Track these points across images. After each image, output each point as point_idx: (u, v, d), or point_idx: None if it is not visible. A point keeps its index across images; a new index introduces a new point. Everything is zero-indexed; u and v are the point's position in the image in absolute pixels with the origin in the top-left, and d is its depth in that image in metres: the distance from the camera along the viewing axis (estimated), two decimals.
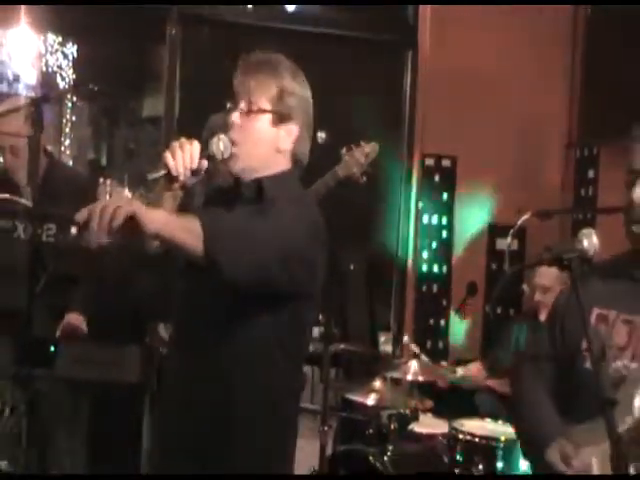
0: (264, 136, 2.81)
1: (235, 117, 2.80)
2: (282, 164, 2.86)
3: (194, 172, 2.77)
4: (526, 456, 3.10)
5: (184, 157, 2.75)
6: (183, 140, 2.77)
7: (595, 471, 2.57)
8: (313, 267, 2.74)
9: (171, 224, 2.51)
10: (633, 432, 2.47)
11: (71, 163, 7.61)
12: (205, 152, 2.78)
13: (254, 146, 2.82)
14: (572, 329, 2.81)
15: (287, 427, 2.94)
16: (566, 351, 2.83)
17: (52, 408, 4.48)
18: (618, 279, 2.75)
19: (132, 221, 2.41)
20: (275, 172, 2.85)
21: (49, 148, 4.89)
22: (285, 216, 2.72)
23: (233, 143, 2.80)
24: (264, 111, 2.78)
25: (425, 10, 6.37)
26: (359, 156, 4.27)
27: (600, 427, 2.45)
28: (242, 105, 2.80)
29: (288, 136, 2.82)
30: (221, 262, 2.50)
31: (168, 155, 2.74)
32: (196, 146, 2.77)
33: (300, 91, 2.83)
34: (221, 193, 3.02)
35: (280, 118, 2.79)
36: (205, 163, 2.77)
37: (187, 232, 2.50)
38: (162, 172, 2.77)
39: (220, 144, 2.79)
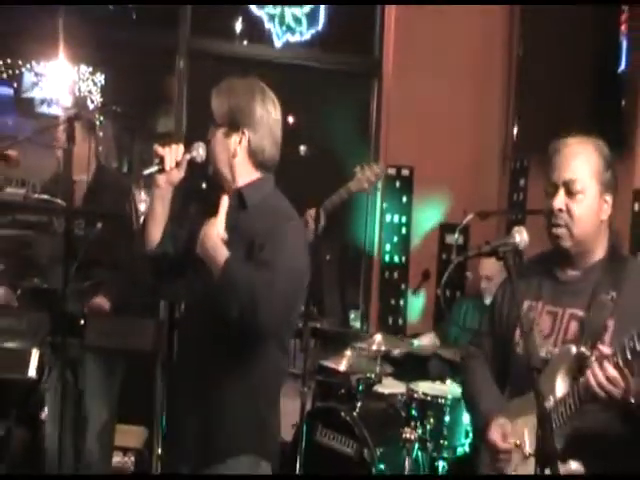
0: (220, 145, 2.84)
1: (210, 133, 2.86)
2: (247, 171, 2.87)
3: (177, 164, 2.79)
4: (474, 427, 3.09)
5: (171, 152, 2.78)
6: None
7: (527, 440, 2.58)
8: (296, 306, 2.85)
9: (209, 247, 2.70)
10: (556, 410, 2.47)
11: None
12: (188, 153, 2.82)
13: (216, 153, 2.85)
14: (508, 317, 2.81)
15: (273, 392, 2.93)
16: (504, 333, 2.83)
17: (81, 371, 4.47)
18: (544, 275, 2.74)
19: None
20: (249, 180, 2.87)
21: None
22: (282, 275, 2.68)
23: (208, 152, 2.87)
24: (218, 125, 2.84)
25: (388, 45, 6.37)
26: (370, 175, 4.24)
27: (529, 400, 2.46)
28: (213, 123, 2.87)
29: (239, 143, 2.82)
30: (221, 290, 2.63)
31: (159, 148, 2.79)
32: (180, 146, 2.81)
33: (254, 106, 2.82)
34: (204, 198, 3.09)
35: (230, 129, 2.81)
36: (186, 158, 2.80)
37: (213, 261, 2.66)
38: (155, 167, 2.80)
39: (200, 150, 2.85)
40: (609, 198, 2.61)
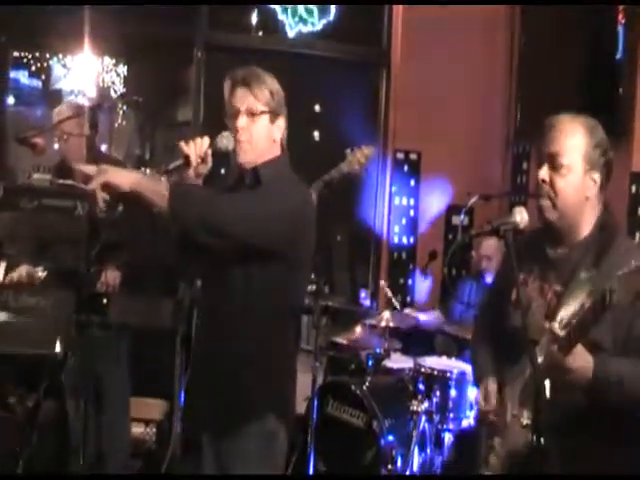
0: (265, 132, 2.81)
1: (241, 122, 2.78)
2: (275, 152, 2.87)
3: (203, 159, 2.78)
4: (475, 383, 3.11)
5: (196, 146, 2.77)
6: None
7: (509, 403, 2.62)
8: (282, 232, 2.71)
9: (143, 184, 2.58)
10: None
11: (122, 158, 7.58)
12: (213, 145, 2.79)
13: (258, 142, 2.81)
14: (505, 290, 2.79)
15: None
16: (501, 305, 2.81)
17: (105, 347, 4.47)
18: (535, 251, 2.71)
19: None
20: (267, 158, 2.84)
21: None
22: (266, 194, 2.75)
23: (241, 142, 2.79)
24: (264, 112, 2.78)
25: (396, 36, 6.32)
26: (360, 156, 4.20)
27: (517, 367, 2.58)
28: (245, 111, 2.78)
29: (279, 129, 2.85)
30: (176, 215, 2.58)
31: (183, 144, 2.77)
32: (205, 139, 2.79)
33: (280, 90, 2.83)
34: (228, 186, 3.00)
35: (273, 115, 2.80)
36: (210, 152, 2.79)
37: (155, 194, 2.57)
38: (180, 161, 2.78)
39: (224, 140, 2.81)
40: (597, 176, 2.56)
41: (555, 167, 2.55)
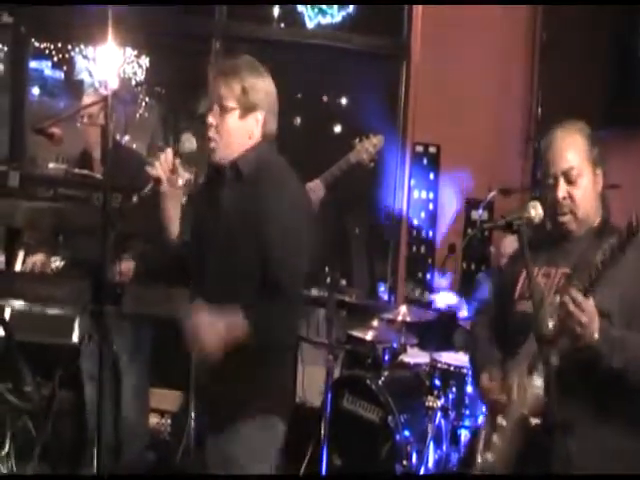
0: (235, 129, 2.75)
1: (210, 118, 2.75)
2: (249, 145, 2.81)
3: (172, 170, 2.79)
4: (474, 388, 3.10)
5: (161, 164, 2.78)
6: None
7: (515, 386, 2.60)
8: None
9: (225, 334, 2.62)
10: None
11: (144, 149, 7.59)
12: (178, 153, 2.81)
13: (229, 138, 2.77)
14: (510, 278, 2.84)
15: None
16: (504, 297, 2.86)
17: (123, 337, 4.46)
18: (543, 243, 2.76)
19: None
20: (244, 150, 2.80)
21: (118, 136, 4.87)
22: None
23: (209, 140, 2.77)
24: (232, 108, 2.73)
25: (416, 29, 6.24)
26: (368, 145, 4.18)
27: (521, 353, 2.60)
28: (214, 107, 2.74)
29: (256, 124, 2.78)
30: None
31: (149, 168, 2.81)
32: (168, 152, 2.80)
33: (260, 83, 2.76)
34: (206, 184, 3.03)
35: (246, 111, 2.74)
36: (178, 162, 2.80)
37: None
38: (150, 185, 2.81)
39: (186, 144, 2.82)
40: (599, 171, 2.68)
41: (570, 181, 2.63)
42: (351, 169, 4.19)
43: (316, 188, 4.07)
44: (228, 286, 2.76)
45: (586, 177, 2.64)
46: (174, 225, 2.93)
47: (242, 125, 2.75)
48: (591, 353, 2.39)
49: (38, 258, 4.44)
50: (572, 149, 2.64)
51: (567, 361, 2.43)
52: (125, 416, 4.57)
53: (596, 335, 2.35)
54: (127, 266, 4.37)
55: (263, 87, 2.76)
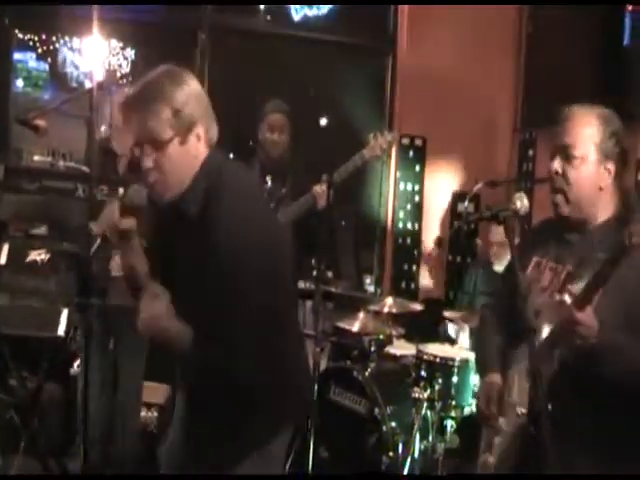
0: (180, 158, 2.29)
1: (148, 162, 2.26)
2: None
3: (122, 234, 2.41)
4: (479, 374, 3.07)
5: (103, 222, 2.52)
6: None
7: (515, 387, 2.61)
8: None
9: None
10: (539, 351, 2.43)
11: None
12: (126, 208, 2.39)
13: (175, 172, 2.31)
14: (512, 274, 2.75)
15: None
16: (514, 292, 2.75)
17: (106, 329, 4.44)
18: (552, 235, 2.69)
19: None
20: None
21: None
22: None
23: (155, 183, 2.29)
24: (170, 140, 2.27)
25: (402, 22, 6.24)
26: (382, 142, 4.17)
27: (522, 350, 2.56)
28: (144, 147, 2.26)
29: (198, 141, 2.32)
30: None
31: (92, 226, 2.68)
32: (113, 207, 2.40)
33: (186, 93, 2.27)
34: (162, 219, 2.49)
35: (185, 133, 2.28)
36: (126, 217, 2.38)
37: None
38: (98, 242, 2.71)
39: (134, 199, 2.40)
40: (611, 166, 2.53)
41: (568, 159, 2.53)
42: (365, 165, 4.20)
43: (323, 195, 4.09)
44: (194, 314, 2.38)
45: (588, 163, 2.51)
46: (140, 269, 2.49)
47: (185, 151, 2.30)
48: (592, 356, 2.36)
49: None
50: (581, 127, 2.52)
51: (565, 362, 2.42)
52: (120, 408, 4.55)
53: (594, 335, 2.30)
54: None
55: (191, 95, 2.28)
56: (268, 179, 4.46)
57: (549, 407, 2.30)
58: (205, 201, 2.31)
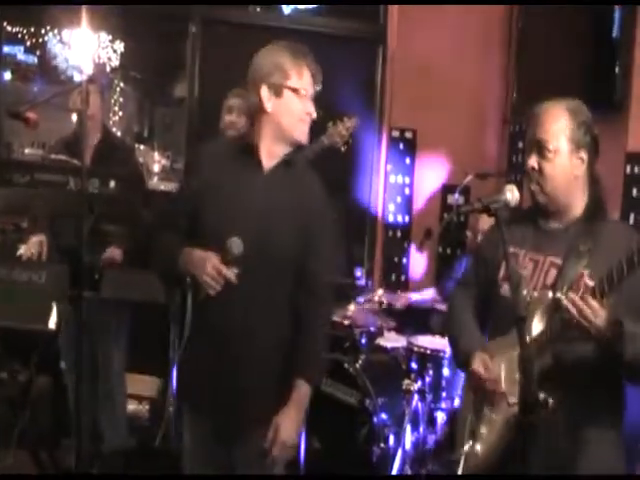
0: None
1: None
2: None
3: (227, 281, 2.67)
4: (456, 365, 3.07)
5: (209, 274, 2.67)
6: None
7: (503, 374, 2.61)
8: None
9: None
10: (531, 347, 2.43)
11: (119, 134, 7.54)
12: (225, 258, 2.67)
13: None
14: (491, 261, 2.80)
15: None
16: (487, 279, 2.83)
17: (102, 323, 4.45)
18: (529, 225, 2.75)
19: None
20: None
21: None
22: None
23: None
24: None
25: (393, 13, 6.22)
26: (342, 128, 4.21)
27: (508, 340, 2.57)
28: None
29: None
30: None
31: (204, 280, 2.67)
32: (213, 259, 2.67)
33: None
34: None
35: None
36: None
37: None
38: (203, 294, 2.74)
39: (234, 247, 2.66)
40: (584, 155, 2.62)
41: (542, 154, 2.62)
42: (324, 152, 4.21)
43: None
44: (263, 273, 2.73)
45: (562, 155, 2.59)
46: None
47: None
48: (600, 344, 2.38)
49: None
50: (553, 122, 2.59)
51: (561, 353, 2.45)
52: (105, 402, 4.56)
53: (604, 324, 2.32)
54: (116, 253, 4.37)
55: None
56: None
57: (543, 398, 2.31)
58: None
